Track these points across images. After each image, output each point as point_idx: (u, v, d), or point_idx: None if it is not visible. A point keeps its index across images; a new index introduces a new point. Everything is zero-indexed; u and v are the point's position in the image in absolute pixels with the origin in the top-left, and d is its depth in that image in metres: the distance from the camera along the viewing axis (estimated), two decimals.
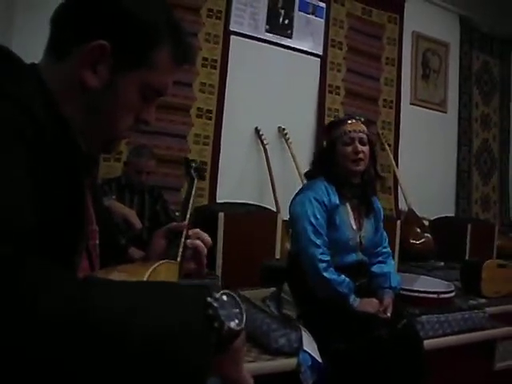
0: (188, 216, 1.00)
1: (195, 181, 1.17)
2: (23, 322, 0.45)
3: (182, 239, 0.94)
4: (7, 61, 0.71)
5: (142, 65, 0.77)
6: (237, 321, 0.59)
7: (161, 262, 0.78)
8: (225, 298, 0.59)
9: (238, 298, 0.61)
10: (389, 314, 1.94)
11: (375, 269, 2.15)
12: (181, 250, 0.91)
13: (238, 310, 0.60)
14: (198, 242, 0.96)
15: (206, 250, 0.96)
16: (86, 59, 0.74)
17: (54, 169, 0.68)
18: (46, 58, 0.78)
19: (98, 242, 0.87)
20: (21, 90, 0.67)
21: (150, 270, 0.70)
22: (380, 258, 2.19)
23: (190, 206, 1.04)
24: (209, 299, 0.57)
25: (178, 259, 0.88)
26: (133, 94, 0.78)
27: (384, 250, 2.22)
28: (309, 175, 2.22)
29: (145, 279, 0.68)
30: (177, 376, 0.52)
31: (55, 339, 0.46)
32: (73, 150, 0.74)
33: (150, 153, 2.91)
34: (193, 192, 1.11)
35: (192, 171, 1.20)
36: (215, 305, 0.57)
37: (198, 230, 1.00)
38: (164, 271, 0.76)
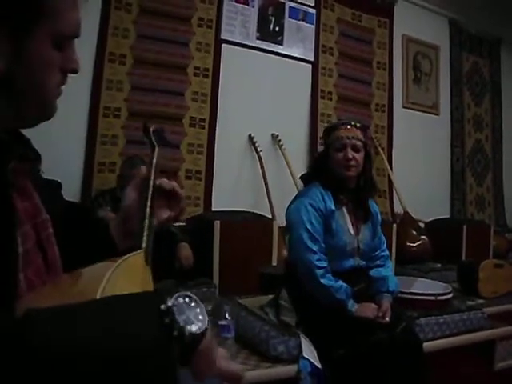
0: (151, 190, 0.94)
1: (156, 148, 1.09)
2: None
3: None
4: None
5: (39, 19, 0.66)
6: (199, 323, 0.55)
7: (119, 261, 0.67)
8: (181, 300, 0.55)
9: (194, 297, 0.57)
10: (388, 319, 1.93)
11: (373, 273, 2.14)
12: (146, 225, 0.86)
13: (198, 310, 0.56)
14: (172, 183, 0.92)
15: (180, 191, 0.93)
16: None
17: None
18: None
19: (51, 230, 0.78)
20: None
21: (103, 284, 0.64)
22: (378, 262, 2.18)
23: (152, 177, 0.97)
24: (163, 307, 0.53)
25: (144, 244, 0.82)
26: (46, 52, 0.68)
27: (382, 254, 2.22)
28: (305, 179, 2.22)
29: (99, 292, 0.59)
30: None
31: None
32: None
33: (142, 162, 2.90)
34: (154, 161, 1.03)
35: (152, 137, 1.10)
36: (172, 311, 0.53)
37: (163, 179, 0.96)
38: (124, 273, 0.69)
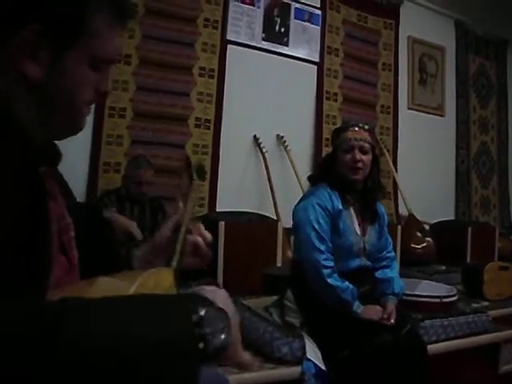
0: (185, 225, 0.95)
1: (195, 182, 1.11)
2: None
3: (181, 235, 0.91)
4: None
5: (81, 37, 0.70)
6: (223, 336, 0.58)
7: (152, 270, 0.75)
8: (211, 312, 0.58)
9: (222, 308, 0.60)
10: (393, 321, 1.93)
11: (379, 274, 2.14)
12: (178, 249, 0.88)
13: (224, 323, 0.59)
14: (198, 238, 0.93)
15: (205, 245, 0.94)
16: (21, 50, 0.67)
17: (6, 172, 0.62)
18: None
19: (73, 234, 0.81)
20: None
21: (138, 281, 0.68)
22: (384, 263, 2.19)
23: (190, 205, 1.00)
24: (194, 318, 0.56)
25: (174, 263, 0.85)
26: (82, 70, 0.72)
27: (388, 255, 2.22)
28: (312, 179, 2.22)
29: (133, 288, 0.65)
30: None
31: (28, 368, 0.45)
32: (26, 150, 0.68)
33: (147, 162, 2.91)
34: (191, 195, 1.06)
35: (193, 171, 1.13)
36: (201, 323, 0.56)
37: (200, 225, 0.97)
38: (155, 280, 0.73)
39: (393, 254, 2.26)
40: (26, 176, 0.65)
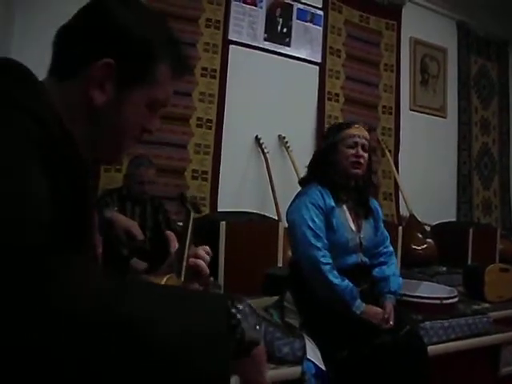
0: (186, 250, 1.02)
1: (191, 214, 1.21)
2: (55, 313, 0.48)
3: (184, 263, 0.97)
4: (22, 75, 0.73)
5: (145, 80, 0.80)
6: (257, 330, 0.62)
7: (168, 276, 0.79)
8: (247, 309, 0.61)
9: (254, 308, 0.64)
10: (392, 323, 1.93)
11: (377, 272, 2.15)
12: (184, 265, 0.94)
13: (257, 321, 0.63)
14: (198, 261, 0.99)
15: (206, 270, 0.99)
16: (93, 78, 0.76)
17: (64, 179, 0.70)
18: (50, 77, 0.80)
19: (101, 250, 0.90)
20: (37, 104, 0.70)
21: (164, 280, 0.73)
22: (381, 259, 2.20)
23: (189, 238, 1.06)
24: (233, 310, 0.59)
25: (182, 278, 0.90)
26: (138, 108, 0.82)
27: (385, 250, 2.23)
28: (303, 182, 2.23)
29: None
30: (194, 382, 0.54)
31: (83, 334, 0.48)
32: (79, 161, 0.77)
33: (148, 162, 2.91)
34: (190, 224, 1.14)
35: (187, 205, 1.24)
36: (238, 316, 0.59)
37: (199, 249, 1.03)
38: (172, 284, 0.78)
39: (390, 248, 2.26)
40: (76, 180, 0.74)
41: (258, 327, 0.63)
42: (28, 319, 0.46)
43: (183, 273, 0.94)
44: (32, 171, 0.60)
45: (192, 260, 0.99)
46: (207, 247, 1.03)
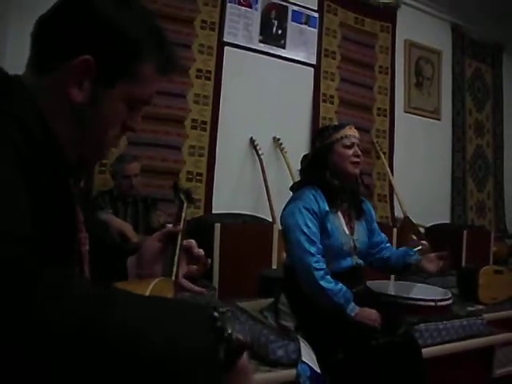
0: (180, 239, 1.01)
1: (185, 204, 1.19)
2: (41, 323, 0.47)
3: (178, 246, 0.96)
4: (1, 79, 0.72)
5: (126, 78, 0.78)
6: (242, 334, 0.61)
7: (156, 280, 0.78)
8: (228, 314, 0.61)
9: (238, 314, 0.64)
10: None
11: (385, 253, 2.24)
12: (176, 259, 0.92)
13: (240, 326, 0.62)
14: (190, 241, 0.99)
15: (201, 250, 0.99)
16: (71, 75, 0.74)
17: (46, 181, 0.69)
18: (29, 71, 0.78)
19: (88, 248, 0.87)
20: (16, 105, 0.68)
21: (151, 286, 0.72)
22: (382, 248, 2.28)
23: (182, 227, 1.05)
24: (215, 313, 0.59)
25: (173, 277, 0.89)
26: (118, 106, 0.79)
27: (387, 245, 2.30)
28: (295, 187, 2.23)
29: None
30: None
31: (68, 345, 0.48)
32: (61, 162, 0.76)
33: (131, 156, 2.92)
34: (183, 215, 1.13)
35: (181, 194, 1.22)
36: (222, 318, 0.59)
37: (191, 240, 1.01)
38: (160, 289, 0.77)
39: (390, 246, 2.33)
40: (58, 181, 0.74)
41: (242, 332, 0.61)
42: (5, 330, 0.46)
43: (176, 262, 0.93)
44: (14, 182, 0.59)
45: (185, 241, 0.98)
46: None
